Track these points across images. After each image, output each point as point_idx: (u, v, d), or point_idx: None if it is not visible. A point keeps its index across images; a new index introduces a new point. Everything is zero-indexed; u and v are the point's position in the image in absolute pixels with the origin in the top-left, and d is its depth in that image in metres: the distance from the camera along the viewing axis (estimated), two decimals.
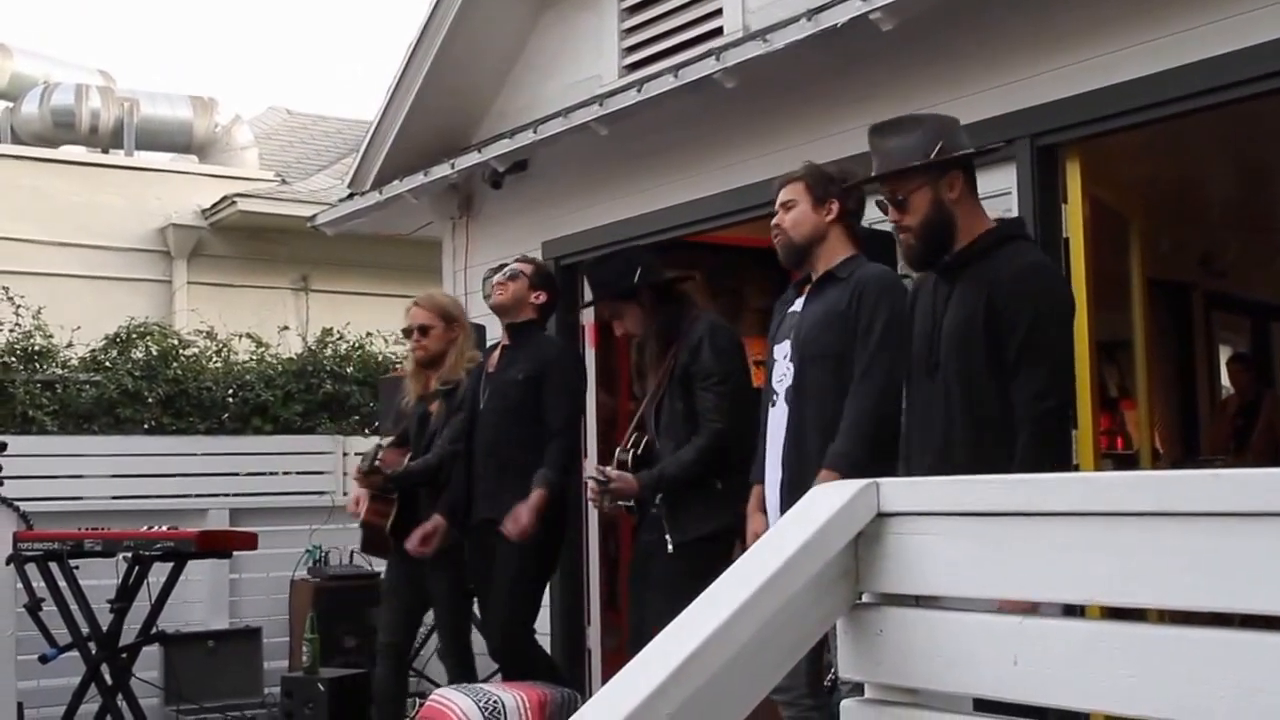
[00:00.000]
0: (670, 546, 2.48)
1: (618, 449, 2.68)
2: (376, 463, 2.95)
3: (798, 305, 2.24)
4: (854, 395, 2.07)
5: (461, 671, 3.03)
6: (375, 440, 2.99)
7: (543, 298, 2.98)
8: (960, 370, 1.83)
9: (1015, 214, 2.49)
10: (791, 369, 2.17)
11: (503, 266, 2.98)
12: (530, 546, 2.75)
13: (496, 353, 3.01)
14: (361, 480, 2.95)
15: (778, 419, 2.18)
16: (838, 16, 2.60)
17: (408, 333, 3.11)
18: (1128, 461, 3.83)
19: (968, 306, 1.83)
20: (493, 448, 2.86)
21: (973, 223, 1.91)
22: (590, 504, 2.75)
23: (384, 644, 3.11)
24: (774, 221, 2.23)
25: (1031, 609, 1.13)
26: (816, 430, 2.10)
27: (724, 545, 2.40)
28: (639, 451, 2.62)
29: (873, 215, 2.39)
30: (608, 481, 2.55)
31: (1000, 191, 2.50)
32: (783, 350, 2.21)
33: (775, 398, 2.20)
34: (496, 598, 2.84)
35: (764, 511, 2.22)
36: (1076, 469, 2.28)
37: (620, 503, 2.59)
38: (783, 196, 2.22)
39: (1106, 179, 2.84)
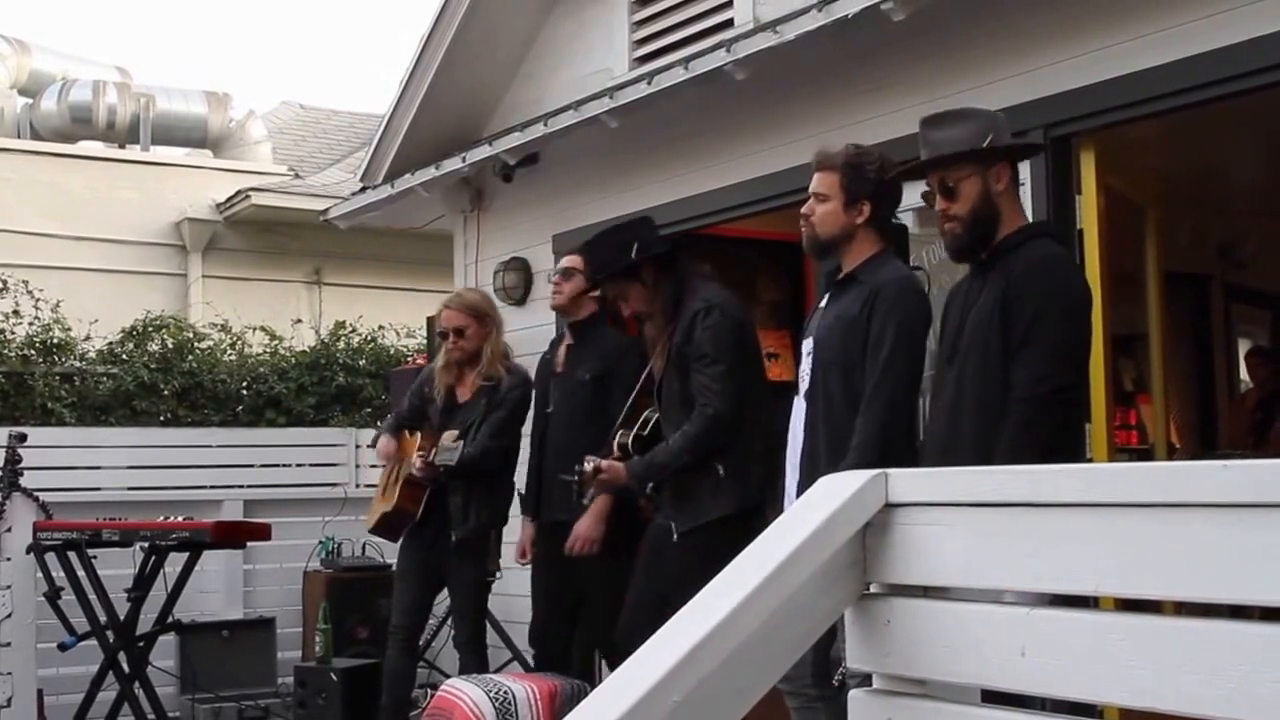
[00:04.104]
0: (675, 535, 2.46)
1: (618, 433, 2.63)
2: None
3: (825, 300, 2.22)
4: (864, 414, 2.03)
5: (476, 660, 3.05)
6: (454, 433, 2.96)
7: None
8: (976, 358, 1.85)
9: (1028, 205, 2.47)
10: (809, 371, 2.17)
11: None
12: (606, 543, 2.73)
13: (562, 350, 3.00)
14: (424, 469, 2.93)
15: (798, 414, 2.17)
16: (849, 7, 2.59)
17: (443, 335, 3.09)
18: (1143, 456, 3.79)
19: (988, 300, 1.86)
20: (568, 451, 2.82)
21: (1011, 218, 1.93)
22: (579, 496, 2.68)
23: (396, 626, 3.11)
24: (803, 210, 2.18)
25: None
26: (826, 437, 2.10)
27: (729, 530, 2.37)
28: (645, 432, 2.57)
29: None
30: (596, 472, 2.51)
31: None
32: (807, 347, 2.20)
33: (797, 393, 2.20)
34: (597, 599, 2.79)
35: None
36: (1090, 463, 2.26)
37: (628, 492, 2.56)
38: (816, 185, 2.16)
39: (1122, 169, 2.81)
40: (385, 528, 3.18)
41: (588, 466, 2.56)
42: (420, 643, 3.30)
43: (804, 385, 2.17)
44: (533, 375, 3.13)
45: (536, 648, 3.03)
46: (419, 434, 3.10)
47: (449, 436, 2.96)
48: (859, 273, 2.16)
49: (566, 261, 3.00)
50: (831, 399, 2.10)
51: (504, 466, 3.06)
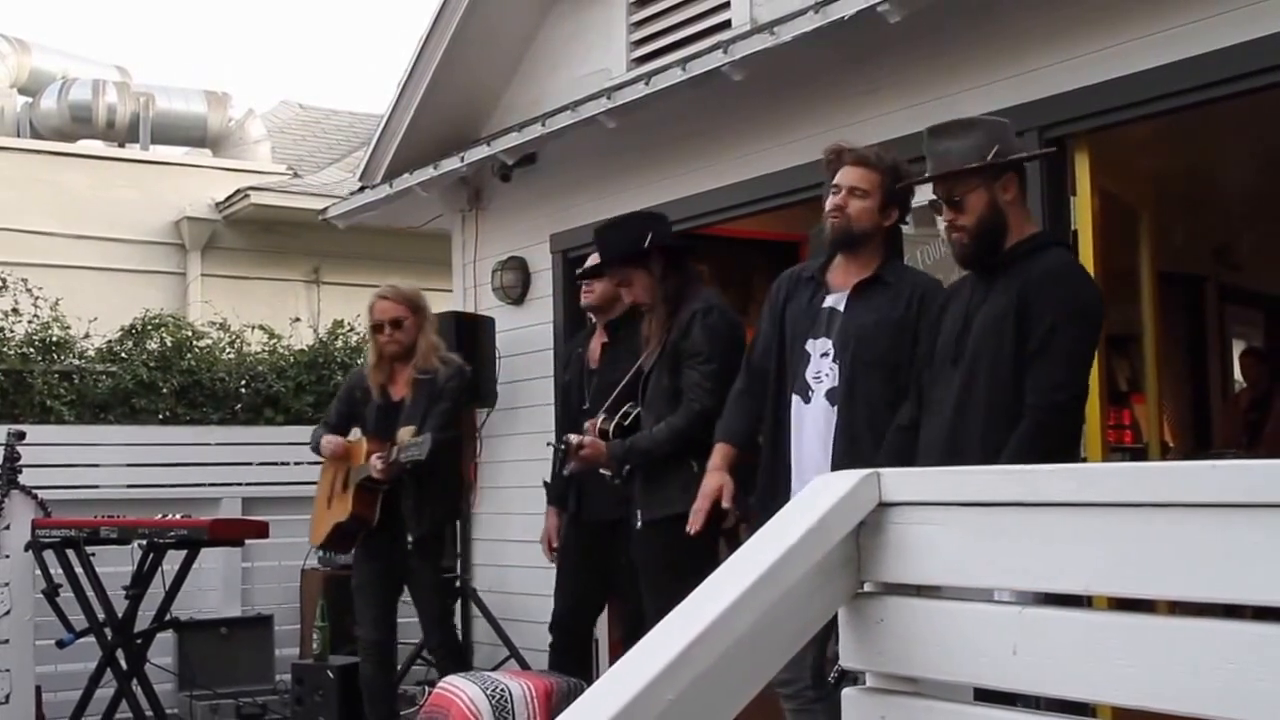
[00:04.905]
0: (639, 523, 2.47)
1: (600, 418, 2.65)
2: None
3: (833, 301, 2.19)
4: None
5: (454, 661, 3.04)
6: (412, 429, 2.93)
7: None
8: (988, 362, 1.86)
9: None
10: (835, 371, 2.14)
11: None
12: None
13: (595, 346, 2.97)
14: (388, 469, 2.89)
15: (814, 415, 2.15)
16: (845, 9, 2.59)
17: (378, 328, 3.03)
18: (1137, 455, 3.80)
19: (1000, 304, 1.87)
20: None
21: (1020, 226, 1.94)
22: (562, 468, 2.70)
23: (368, 642, 3.08)
24: (838, 202, 2.16)
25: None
26: (870, 432, 2.08)
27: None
28: (626, 422, 2.59)
29: None
30: (578, 447, 2.53)
31: None
32: (820, 347, 2.17)
33: (810, 394, 2.17)
34: (630, 597, 2.72)
35: (726, 471, 2.23)
36: (1084, 462, 2.27)
37: (603, 471, 2.57)
38: (854, 180, 2.15)
39: (1116, 171, 2.82)
40: (337, 539, 3.11)
41: (572, 439, 2.58)
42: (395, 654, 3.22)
43: (820, 386, 2.15)
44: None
45: (556, 636, 3.01)
46: (363, 439, 3.04)
47: (407, 433, 2.91)
48: (884, 275, 2.16)
49: (595, 260, 2.96)
50: (873, 402, 2.09)
51: (452, 460, 3.03)
